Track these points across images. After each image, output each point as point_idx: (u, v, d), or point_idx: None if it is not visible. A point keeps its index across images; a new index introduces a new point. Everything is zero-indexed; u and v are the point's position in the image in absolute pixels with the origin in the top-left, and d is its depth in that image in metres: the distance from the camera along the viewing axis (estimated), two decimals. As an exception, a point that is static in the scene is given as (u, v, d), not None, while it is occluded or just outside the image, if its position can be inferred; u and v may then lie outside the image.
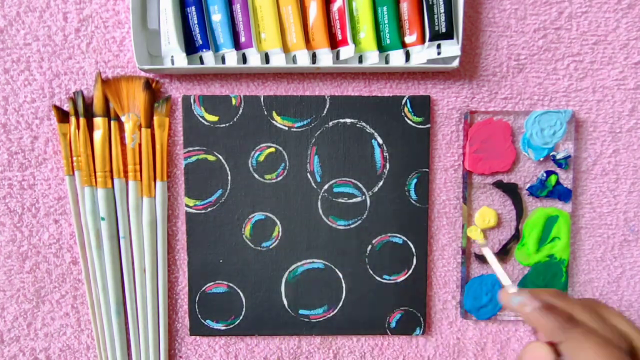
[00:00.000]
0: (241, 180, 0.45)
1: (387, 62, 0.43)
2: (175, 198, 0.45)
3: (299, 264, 0.45)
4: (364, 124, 0.45)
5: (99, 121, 0.43)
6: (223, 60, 0.43)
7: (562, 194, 0.45)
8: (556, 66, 0.45)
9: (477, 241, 0.43)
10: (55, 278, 0.45)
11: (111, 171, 0.44)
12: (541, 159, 0.44)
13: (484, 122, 0.44)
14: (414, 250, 0.45)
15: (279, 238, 0.45)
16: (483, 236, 0.44)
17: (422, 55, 0.43)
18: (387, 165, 0.45)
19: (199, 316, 0.46)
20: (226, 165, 0.45)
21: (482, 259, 0.45)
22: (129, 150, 0.44)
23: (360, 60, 0.43)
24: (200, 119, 0.44)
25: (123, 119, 0.44)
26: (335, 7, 0.42)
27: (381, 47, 0.43)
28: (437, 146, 0.45)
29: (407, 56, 0.43)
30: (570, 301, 0.31)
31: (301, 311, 0.46)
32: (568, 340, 0.28)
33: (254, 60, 0.42)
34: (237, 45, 0.42)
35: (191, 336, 0.46)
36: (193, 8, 0.41)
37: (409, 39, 0.43)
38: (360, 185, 0.45)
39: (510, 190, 0.45)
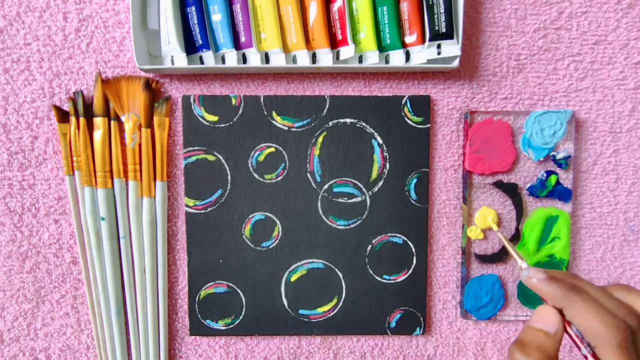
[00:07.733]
0: (241, 180, 0.45)
1: (387, 62, 0.43)
2: (175, 198, 0.45)
3: (299, 263, 0.45)
4: (364, 124, 0.45)
5: (99, 121, 0.43)
6: (223, 60, 0.43)
7: (562, 194, 0.45)
8: (556, 66, 0.45)
9: (492, 228, 0.44)
10: (55, 278, 0.45)
11: (111, 171, 0.44)
12: (541, 159, 0.44)
13: (484, 122, 0.44)
14: (414, 250, 0.45)
15: (279, 238, 0.45)
16: (496, 223, 0.44)
17: (422, 55, 0.43)
18: (387, 165, 0.45)
19: (199, 316, 0.46)
20: (226, 165, 0.45)
21: (482, 258, 0.45)
22: (129, 150, 0.44)
23: (360, 60, 0.43)
24: (200, 119, 0.44)
25: (123, 119, 0.44)
26: (335, 7, 0.42)
27: (381, 47, 0.43)
28: (437, 146, 0.45)
29: (407, 56, 0.43)
30: (578, 278, 0.33)
31: (301, 311, 0.46)
32: (570, 306, 0.30)
33: (254, 60, 0.42)
34: (237, 45, 0.42)
35: (191, 336, 0.46)
36: (193, 8, 0.41)
37: (409, 39, 0.43)
38: (360, 185, 0.45)
39: (510, 190, 0.45)
